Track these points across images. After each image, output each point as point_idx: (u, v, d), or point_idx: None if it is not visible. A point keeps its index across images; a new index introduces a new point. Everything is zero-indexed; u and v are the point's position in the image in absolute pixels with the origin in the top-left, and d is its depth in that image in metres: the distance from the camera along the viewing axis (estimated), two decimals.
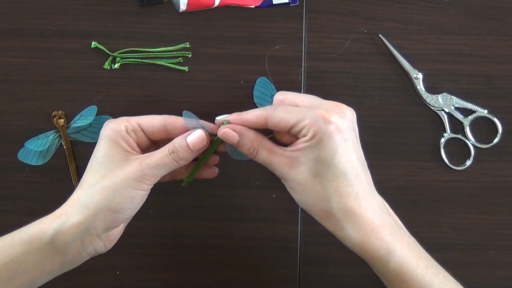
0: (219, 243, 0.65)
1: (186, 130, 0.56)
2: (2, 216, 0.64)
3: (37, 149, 0.63)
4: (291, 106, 0.54)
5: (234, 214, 0.65)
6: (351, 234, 0.50)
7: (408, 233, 0.53)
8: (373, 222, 0.50)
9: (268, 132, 0.56)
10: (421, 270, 0.50)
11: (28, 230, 0.51)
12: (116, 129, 0.54)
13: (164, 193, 0.65)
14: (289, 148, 0.53)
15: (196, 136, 0.54)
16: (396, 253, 0.49)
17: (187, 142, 0.54)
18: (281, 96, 0.56)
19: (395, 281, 0.50)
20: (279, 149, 0.54)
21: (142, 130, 0.56)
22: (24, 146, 0.63)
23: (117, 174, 0.52)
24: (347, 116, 0.52)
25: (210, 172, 0.60)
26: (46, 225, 0.51)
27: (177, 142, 0.54)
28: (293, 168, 0.51)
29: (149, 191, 0.54)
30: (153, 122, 0.56)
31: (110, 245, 0.55)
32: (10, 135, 0.64)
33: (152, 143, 0.58)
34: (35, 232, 0.51)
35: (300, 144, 0.51)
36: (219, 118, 0.56)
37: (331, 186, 0.50)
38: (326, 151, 0.49)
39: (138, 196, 0.53)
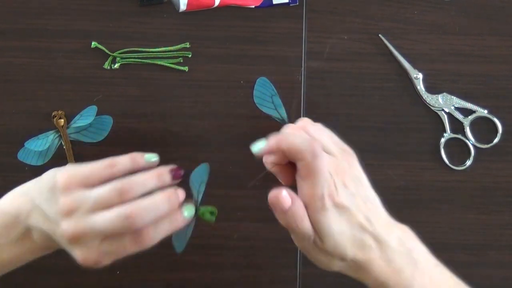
0: (219, 243, 0.65)
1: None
2: None
3: (37, 149, 0.63)
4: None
5: (234, 214, 0.65)
6: (369, 283, 0.50)
7: (434, 261, 0.51)
8: (390, 265, 0.49)
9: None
10: None
11: None
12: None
13: None
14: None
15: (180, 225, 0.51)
16: None
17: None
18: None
19: None
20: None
21: None
22: (24, 146, 0.63)
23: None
24: (350, 183, 0.50)
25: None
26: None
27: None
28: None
29: None
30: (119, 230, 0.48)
31: None
32: (10, 135, 0.63)
33: None
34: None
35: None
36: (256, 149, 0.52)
37: (337, 248, 0.49)
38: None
39: None
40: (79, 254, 0.47)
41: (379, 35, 0.65)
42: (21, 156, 0.63)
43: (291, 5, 0.65)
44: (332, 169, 0.49)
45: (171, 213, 0.49)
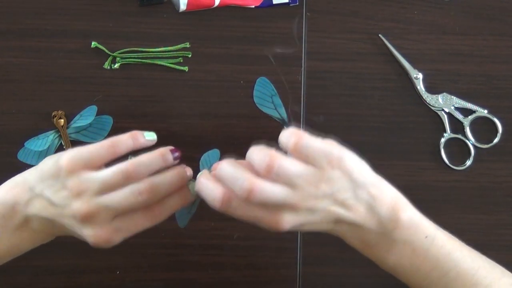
0: (219, 243, 0.65)
1: None
2: None
3: (37, 149, 0.63)
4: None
5: None
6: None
7: (424, 233, 0.51)
8: (364, 243, 0.50)
9: None
10: (421, 274, 0.50)
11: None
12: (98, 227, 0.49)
13: None
14: None
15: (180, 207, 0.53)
16: (389, 262, 0.51)
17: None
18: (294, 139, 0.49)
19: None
20: None
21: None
22: (24, 146, 0.63)
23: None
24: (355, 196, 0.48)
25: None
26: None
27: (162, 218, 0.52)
28: None
29: None
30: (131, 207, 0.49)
31: None
32: (10, 135, 0.63)
33: None
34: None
35: None
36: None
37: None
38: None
39: None
40: (90, 233, 0.48)
41: (379, 35, 0.65)
42: (21, 156, 0.63)
43: (291, 5, 0.65)
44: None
45: (180, 189, 0.51)
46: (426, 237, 0.51)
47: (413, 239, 0.50)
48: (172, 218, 0.65)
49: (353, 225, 0.48)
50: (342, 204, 0.47)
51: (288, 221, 0.47)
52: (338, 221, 0.48)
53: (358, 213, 0.48)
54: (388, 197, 0.49)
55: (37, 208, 0.49)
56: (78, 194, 0.47)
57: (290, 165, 0.46)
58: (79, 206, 0.47)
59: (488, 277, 0.50)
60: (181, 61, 0.65)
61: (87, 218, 0.47)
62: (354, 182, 0.47)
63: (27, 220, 0.50)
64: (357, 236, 0.49)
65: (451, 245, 0.51)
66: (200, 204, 0.65)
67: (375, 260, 0.51)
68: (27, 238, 0.51)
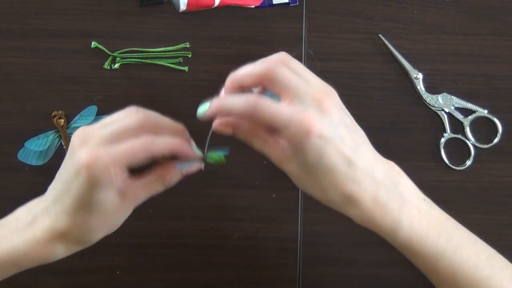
0: (219, 243, 0.65)
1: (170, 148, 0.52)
2: (2, 216, 0.64)
3: (37, 149, 0.63)
4: (276, 104, 0.48)
5: (234, 214, 0.65)
6: (354, 216, 0.48)
7: (422, 196, 0.51)
8: (377, 200, 0.47)
9: None
10: (432, 239, 0.49)
11: (14, 251, 0.50)
12: (107, 180, 0.47)
13: (164, 193, 0.65)
14: (281, 141, 0.49)
15: (194, 171, 0.54)
16: (403, 227, 0.48)
17: (182, 173, 0.53)
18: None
19: (406, 253, 0.50)
20: (272, 140, 0.50)
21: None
22: (24, 146, 0.63)
23: (111, 217, 0.51)
24: (330, 108, 0.48)
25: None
26: (41, 253, 0.50)
27: (174, 177, 0.53)
28: (285, 163, 0.49)
29: None
30: (138, 156, 0.48)
31: None
32: (10, 135, 0.64)
33: None
34: (28, 256, 0.50)
35: (287, 147, 0.48)
36: (201, 112, 0.52)
37: (324, 180, 0.47)
38: (311, 157, 0.46)
39: (131, 212, 0.52)
40: (83, 153, 0.47)
41: (379, 35, 0.65)
42: (21, 156, 0.63)
43: (291, 5, 0.65)
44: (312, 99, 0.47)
45: (186, 150, 0.52)
46: (424, 199, 0.51)
47: (412, 199, 0.50)
48: (171, 218, 0.65)
49: (366, 172, 0.47)
50: (351, 138, 0.48)
51: (317, 120, 0.46)
52: (352, 157, 0.47)
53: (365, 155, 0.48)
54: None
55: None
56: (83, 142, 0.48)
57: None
58: (85, 153, 0.47)
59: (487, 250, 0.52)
60: (181, 61, 0.65)
61: (82, 140, 0.47)
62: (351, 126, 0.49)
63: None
64: (370, 190, 0.47)
65: (445, 214, 0.52)
66: (200, 204, 0.65)
67: (389, 230, 0.48)
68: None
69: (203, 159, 0.54)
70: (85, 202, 0.48)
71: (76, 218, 0.49)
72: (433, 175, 0.66)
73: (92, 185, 0.47)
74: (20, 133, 0.63)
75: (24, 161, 0.63)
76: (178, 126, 0.53)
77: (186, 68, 0.65)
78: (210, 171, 0.64)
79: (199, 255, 0.65)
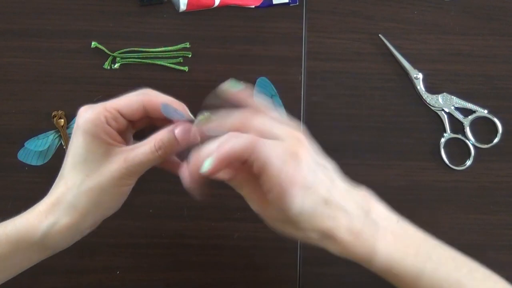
0: (219, 243, 0.65)
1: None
2: (2, 216, 0.64)
3: (37, 149, 0.63)
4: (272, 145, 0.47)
5: (234, 214, 0.65)
6: (332, 249, 0.49)
7: (396, 218, 0.51)
8: (352, 231, 0.48)
9: None
10: (410, 260, 0.49)
11: (14, 229, 0.50)
12: (95, 121, 0.50)
13: (164, 193, 0.65)
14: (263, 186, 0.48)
15: (184, 130, 0.51)
16: (378, 252, 0.48)
17: (175, 137, 0.51)
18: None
19: (386, 277, 0.50)
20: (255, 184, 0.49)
21: (121, 115, 0.52)
22: (24, 146, 0.63)
23: (102, 173, 0.50)
24: (306, 156, 0.47)
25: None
26: (34, 225, 0.50)
27: (164, 137, 0.51)
28: (264, 208, 0.49)
29: (135, 182, 0.52)
30: (131, 105, 0.52)
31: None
32: (10, 135, 0.64)
33: (129, 122, 0.54)
34: (23, 232, 0.50)
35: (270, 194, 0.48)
36: (206, 167, 0.48)
37: (303, 223, 0.48)
38: (294, 205, 0.46)
39: (125, 192, 0.52)
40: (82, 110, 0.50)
41: (379, 35, 0.65)
42: (21, 156, 0.63)
43: (291, 5, 0.65)
44: (283, 151, 0.46)
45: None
46: (397, 221, 0.51)
47: (385, 224, 0.49)
48: (171, 218, 0.65)
49: (340, 207, 0.48)
50: (328, 177, 0.48)
51: (298, 172, 0.46)
52: (329, 196, 0.47)
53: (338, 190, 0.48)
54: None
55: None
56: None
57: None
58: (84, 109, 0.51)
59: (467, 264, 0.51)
60: (181, 61, 0.65)
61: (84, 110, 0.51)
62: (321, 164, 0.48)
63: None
64: (345, 223, 0.48)
65: (420, 233, 0.51)
66: (200, 204, 0.65)
67: (367, 258, 0.49)
68: None
69: (192, 120, 0.52)
70: (76, 154, 0.50)
71: (67, 178, 0.50)
72: (433, 175, 0.66)
73: (83, 130, 0.49)
74: (20, 133, 0.63)
75: (24, 161, 0.63)
76: (178, 102, 0.53)
77: (186, 68, 0.65)
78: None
79: (199, 255, 0.65)
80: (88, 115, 0.50)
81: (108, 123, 0.51)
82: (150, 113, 0.52)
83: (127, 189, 0.52)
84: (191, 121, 0.51)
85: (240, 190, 0.51)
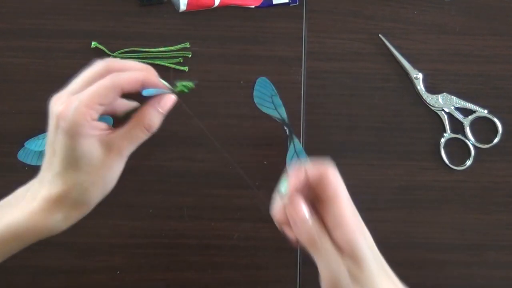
0: (219, 243, 0.65)
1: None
2: None
3: (37, 149, 0.63)
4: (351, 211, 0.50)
5: (234, 214, 0.65)
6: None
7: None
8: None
9: None
10: None
11: (14, 224, 0.50)
12: (82, 122, 0.48)
13: (164, 193, 0.65)
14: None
15: (166, 103, 0.53)
16: None
17: (162, 113, 0.52)
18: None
19: None
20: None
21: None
22: (24, 146, 0.63)
23: (102, 168, 0.50)
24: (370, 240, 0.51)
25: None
26: (41, 223, 0.50)
27: (153, 118, 0.52)
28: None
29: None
30: (108, 94, 0.49)
31: None
32: (10, 135, 0.64)
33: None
34: (28, 228, 0.50)
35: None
36: (283, 190, 0.51)
37: None
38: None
39: (122, 168, 0.52)
40: (54, 105, 0.49)
41: (379, 35, 0.65)
42: (21, 156, 0.63)
43: (291, 5, 0.65)
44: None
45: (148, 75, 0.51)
46: None
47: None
48: (171, 218, 0.65)
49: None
50: None
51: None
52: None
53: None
54: None
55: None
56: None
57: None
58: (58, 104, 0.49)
59: None
60: (181, 61, 0.65)
61: (56, 101, 0.50)
62: None
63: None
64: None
65: None
66: (200, 204, 0.65)
67: None
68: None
69: (173, 90, 0.53)
70: (70, 156, 0.49)
71: (67, 177, 0.49)
72: (433, 175, 0.66)
73: (71, 133, 0.48)
74: (20, 133, 0.63)
75: (24, 161, 0.63)
76: (144, 65, 0.53)
77: (186, 68, 0.65)
78: (210, 171, 0.65)
79: (199, 255, 0.65)
80: (72, 117, 0.48)
81: (92, 119, 0.49)
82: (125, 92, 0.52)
83: (123, 165, 0.52)
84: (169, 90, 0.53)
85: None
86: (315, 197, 0.51)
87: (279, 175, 0.61)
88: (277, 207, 0.52)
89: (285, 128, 0.65)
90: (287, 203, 0.50)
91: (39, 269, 0.64)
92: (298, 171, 0.50)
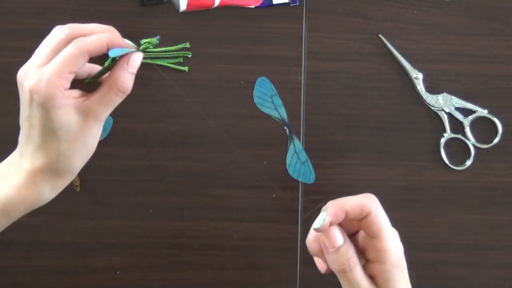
0: (219, 243, 0.65)
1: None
2: None
3: None
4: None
5: (234, 214, 0.65)
6: None
7: None
8: None
9: None
10: None
11: (2, 200, 0.50)
12: (56, 94, 0.48)
13: (164, 193, 0.65)
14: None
15: (135, 62, 0.53)
16: None
17: (133, 72, 0.53)
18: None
19: None
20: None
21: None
22: None
23: (82, 136, 0.51)
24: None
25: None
26: (28, 197, 0.50)
27: (125, 79, 0.52)
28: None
29: None
30: (78, 61, 0.50)
31: None
32: (10, 135, 0.63)
33: None
34: (16, 203, 0.50)
35: None
36: (318, 225, 0.50)
37: None
38: None
39: (100, 132, 0.53)
40: (28, 80, 0.49)
41: (379, 35, 0.65)
42: None
43: (291, 5, 0.65)
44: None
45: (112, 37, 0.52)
46: None
47: None
48: (171, 218, 0.65)
49: None
50: None
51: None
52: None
53: None
54: None
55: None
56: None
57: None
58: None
59: None
60: (181, 61, 0.65)
61: (24, 74, 0.51)
62: None
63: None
64: None
65: None
66: (200, 204, 0.65)
67: None
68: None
69: (137, 48, 0.54)
70: (49, 128, 0.49)
71: (48, 149, 0.50)
72: (433, 175, 0.66)
73: (47, 106, 0.48)
74: None
75: None
76: (107, 26, 0.53)
77: (186, 68, 0.65)
78: (210, 171, 0.65)
79: (199, 255, 0.65)
80: (45, 90, 0.48)
81: (65, 88, 0.50)
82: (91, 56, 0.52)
83: (101, 127, 0.53)
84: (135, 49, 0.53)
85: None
86: (355, 229, 0.52)
87: (279, 175, 0.61)
88: (312, 236, 0.52)
89: (285, 128, 0.65)
90: (323, 233, 0.50)
91: (39, 269, 0.64)
92: (337, 209, 0.49)
